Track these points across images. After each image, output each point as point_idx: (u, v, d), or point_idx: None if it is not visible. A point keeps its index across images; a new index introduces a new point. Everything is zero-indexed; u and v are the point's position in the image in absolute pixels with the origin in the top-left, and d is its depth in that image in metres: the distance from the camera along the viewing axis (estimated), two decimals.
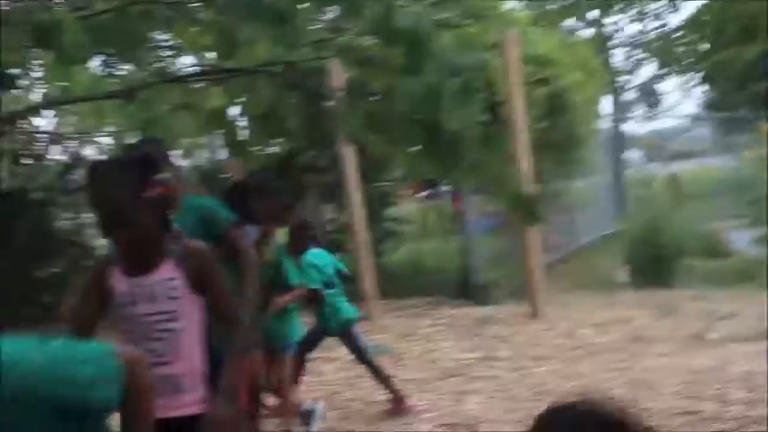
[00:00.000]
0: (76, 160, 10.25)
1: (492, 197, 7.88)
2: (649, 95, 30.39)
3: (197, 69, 6.54)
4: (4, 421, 2.20)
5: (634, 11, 27.20)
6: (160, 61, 9.53)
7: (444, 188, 15.36)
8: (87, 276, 3.71)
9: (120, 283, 3.43)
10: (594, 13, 26.79)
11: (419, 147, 4.02)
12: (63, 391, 2.26)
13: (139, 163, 3.45)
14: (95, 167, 3.55)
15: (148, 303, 3.40)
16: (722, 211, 19.01)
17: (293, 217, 6.52)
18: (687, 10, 27.58)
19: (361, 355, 6.92)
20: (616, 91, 27.03)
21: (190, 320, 3.45)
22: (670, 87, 55.19)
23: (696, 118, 32.08)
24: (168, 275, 3.41)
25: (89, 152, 10.68)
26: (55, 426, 2.29)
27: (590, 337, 8.83)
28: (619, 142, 23.08)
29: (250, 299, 4.83)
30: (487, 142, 4.14)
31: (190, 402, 3.46)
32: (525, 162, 9.61)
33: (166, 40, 10.36)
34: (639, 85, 30.21)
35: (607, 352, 8.36)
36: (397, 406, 6.97)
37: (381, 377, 7.07)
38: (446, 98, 3.65)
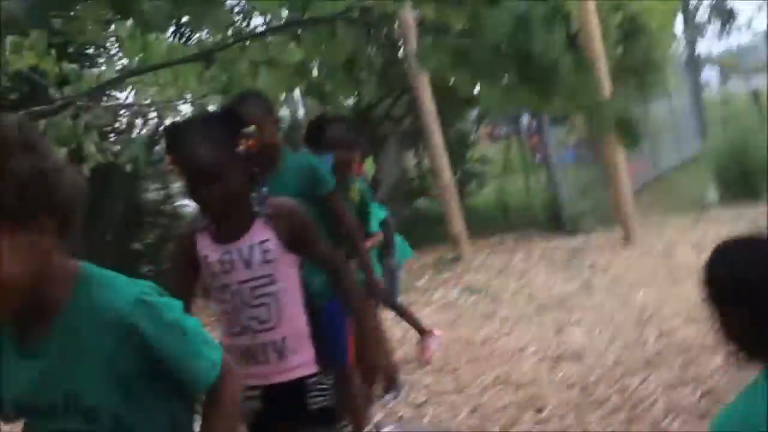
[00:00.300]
0: (161, 130, 10.39)
1: (584, 124, 7.79)
2: (723, 12, 29.62)
3: (272, 26, 6.56)
4: (91, 338, 2.11)
5: None
6: (232, 24, 9.63)
7: (520, 125, 15.26)
8: (174, 246, 3.60)
9: (211, 251, 3.29)
10: None
11: (510, 79, 3.99)
12: (154, 329, 2.08)
13: (227, 118, 3.31)
14: (178, 127, 3.39)
15: (245, 269, 3.25)
16: None
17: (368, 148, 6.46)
18: None
19: (389, 298, 6.77)
20: (689, 11, 26.38)
21: (288, 281, 3.32)
22: (743, 2, 53.70)
23: None
24: (259, 238, 3.25)
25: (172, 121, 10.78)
26: (140, 374, 2.11)
27: (688, 257, 8.68)
28: (694, 63, 22.57)
29: (365, 262, 4.88)
30: (578, 68, 4.12)
31: (297, 365, 3.36)
32: (605, 89, 9.48)
33: (237, 4, 10.48)
34: (712, 2, 29.42)
35: None
36: (423, 348, 7.01)
37: (407, 317, 7.17)
38: (536, 25, 3.62)
